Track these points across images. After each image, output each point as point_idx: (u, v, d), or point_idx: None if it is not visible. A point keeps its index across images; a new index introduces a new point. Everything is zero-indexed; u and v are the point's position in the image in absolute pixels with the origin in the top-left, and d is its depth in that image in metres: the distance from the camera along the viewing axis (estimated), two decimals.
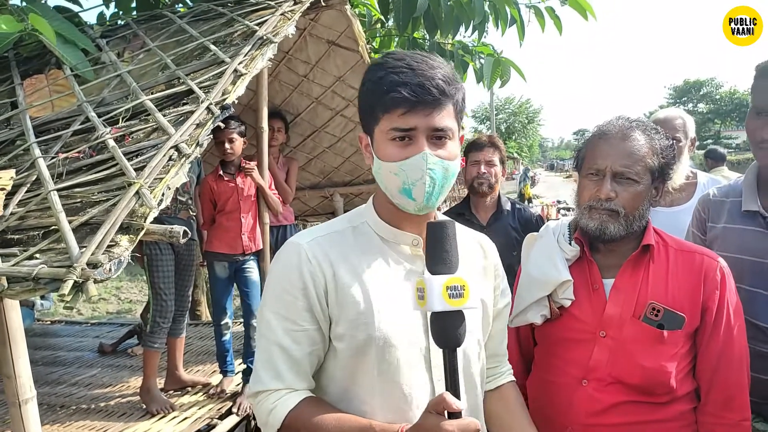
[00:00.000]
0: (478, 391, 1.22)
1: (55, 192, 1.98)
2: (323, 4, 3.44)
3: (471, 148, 2.82)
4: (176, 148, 2.08)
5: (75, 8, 4.15)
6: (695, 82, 54.40)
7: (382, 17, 5.08)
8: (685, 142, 2.36)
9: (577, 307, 1.46)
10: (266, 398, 1.10)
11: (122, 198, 1.83)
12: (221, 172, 3.28)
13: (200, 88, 2.46)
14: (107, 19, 4.39)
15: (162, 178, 1.94)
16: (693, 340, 1.41)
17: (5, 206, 2.00)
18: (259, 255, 3.36)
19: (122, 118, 2.44)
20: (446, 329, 0.96)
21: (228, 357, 3.39)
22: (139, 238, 1.72)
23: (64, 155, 2.25)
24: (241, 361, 3.51)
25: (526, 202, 17.21)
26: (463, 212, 2.76)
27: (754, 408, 1.44)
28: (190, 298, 3.70)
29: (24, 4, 3.23)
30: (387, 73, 1.05)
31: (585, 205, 1.44)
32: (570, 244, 1.52)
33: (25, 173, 2.21)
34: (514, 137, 38.40)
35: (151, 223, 1.76)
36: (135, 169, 1.99)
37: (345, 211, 2.75)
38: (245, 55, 2.64)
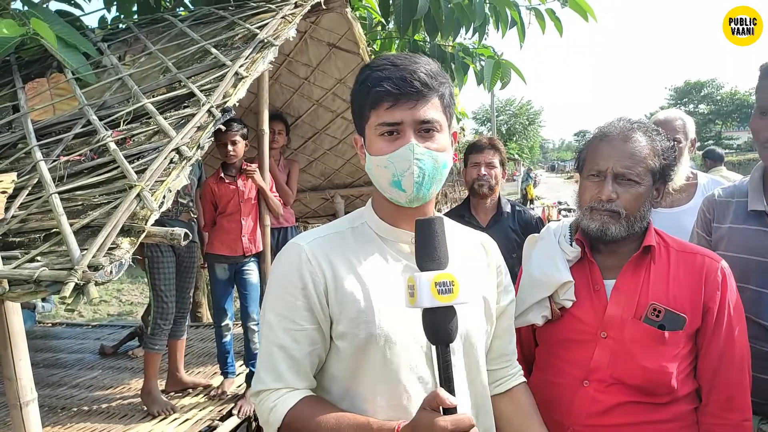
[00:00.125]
0: (482, 377, 1.21)
1: (57, 195, 1.98)
2: (324, 7, 3.44)
3: (471, 150, 2.83)
4: (177, 150, 2.08)
5: (76, 12, 4.17)
6: (696, 83, 54.28)
7: (383, 20, 5.08)
8: (685, 143, 2.36)
9: (578, 308, 1.46)
10: (267, 397, 1.11)
11: (123, 200, 1.83)
12: (222, 175, 3.28)
13: (201, 91, 2.47)
14: (108, 22, 4.42)
15: (163, 181, 1.94)
16: (694, 341, 1.41)
17: (6, 209, 2.00)
18: (259, 257, 3.37)
19: (123, 122, 2.44)
20: (437, 325, 0.96)
21: (229, 359, 3.39)
22: (140, 240, 1.72)
23: (66, 158, 2.26)
24: (242, 363, 3.51)
25: (529, 203, 17.21)
26: (463, 214, 2.77)
27: (759, 409, 1.43)
28: (191, 300, 3.70)
29: (26, 8, 3.24)
30: (372, 72, 1.09)
31: (586, 206, 1.45)
32: (571, 245, 1.52)
33: (27, 176, 2.22)
34: (515, 139, 38.40)
35: (152, 225, 1.77)
36: (136, 172, 2.00)
37: (346, 213, 2.76)
38: (246, 58, 2.64)
